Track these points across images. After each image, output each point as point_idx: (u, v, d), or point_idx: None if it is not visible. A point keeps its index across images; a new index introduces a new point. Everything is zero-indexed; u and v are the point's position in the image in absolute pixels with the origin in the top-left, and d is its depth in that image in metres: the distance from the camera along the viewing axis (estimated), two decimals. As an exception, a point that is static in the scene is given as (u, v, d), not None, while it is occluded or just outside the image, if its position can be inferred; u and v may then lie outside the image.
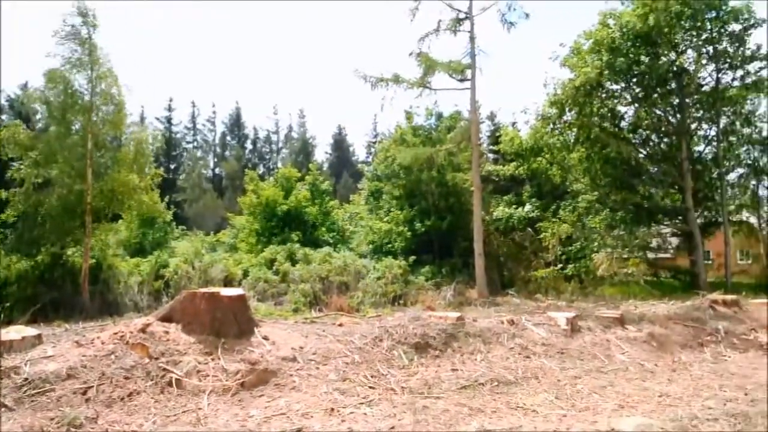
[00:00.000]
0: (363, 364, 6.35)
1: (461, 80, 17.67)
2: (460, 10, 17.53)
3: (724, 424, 4.65)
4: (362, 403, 5.19)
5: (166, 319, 6.47)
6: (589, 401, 5.43)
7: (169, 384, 5.25)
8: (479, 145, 22.04)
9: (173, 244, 25.82)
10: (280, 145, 73.55)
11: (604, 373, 6.59)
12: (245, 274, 19.25)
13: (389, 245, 24.55)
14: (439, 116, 27.99)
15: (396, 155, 23.63)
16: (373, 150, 48.64)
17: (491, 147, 30.75)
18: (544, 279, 20.46)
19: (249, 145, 71.25)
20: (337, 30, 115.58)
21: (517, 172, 25.19)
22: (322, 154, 75.98)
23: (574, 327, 8.26)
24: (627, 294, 17.76)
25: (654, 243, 25.83)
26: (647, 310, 10.13)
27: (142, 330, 5.99)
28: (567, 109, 21.84)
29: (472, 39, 17.40)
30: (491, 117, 35.44)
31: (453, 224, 24.22)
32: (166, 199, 25.54)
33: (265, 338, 6.58)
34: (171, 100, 64.68)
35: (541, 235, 22.63)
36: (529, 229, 23.29)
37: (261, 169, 64.97)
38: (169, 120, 62.74)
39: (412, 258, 20.91)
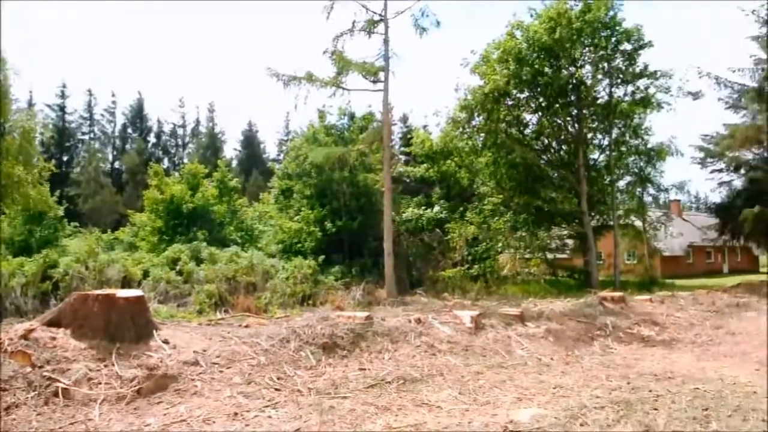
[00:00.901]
0: (269, 366, 6.21)
1: (374, 82, 17.79)
2: (375, 12, 17.66)
3: (609, 411, 5.00)
4: (267, 406, 5.07)
5: (54, 323, 5.97)
6: (490, 395, 5.64)
7: (55, 394, 4.83)
8: (391, 147, 22.35)
9: (65, 243, 23.90)
10: (187, 139, 70.37)
11: (504, 368, 6.87)
12: (146, 274, 18.22)
13: (299, 245, 24.27)
14: (352, 116, 28.09)
15: (308, 154, 23.43)
16: (284, 148, 47.98)
17: (403, 148, 31.29)
18: (451, 278, 21.09)
19: (152, 139, 67.47)
20: (250, 23, 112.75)
21: (427, 173, 25.82)
22: (231, 150, 73.69)
23: (478, 325, 8.55)
24: (528, 292, 18.68)
25: (553, 244, 27.49)
26: (545, 308, 10.69)
27: (24, 336, 5.48)
28: (476, 114, 22.68)
29: (385, 41, 17.57)
30: (403, 119, 36.14)
31: (363, 224, 24.37)
32: (57, 193, 23.66)
33: (166, 342, 6.26)
34: (64, 87, 59.16)
35: (449, 236, 23.33)
36: (438, 229, 23.94)
37: (165, 164, 61.82)
38: (62, 108, 57.99)
39: (321, 258, 20.79)
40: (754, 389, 5.80)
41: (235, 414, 4.81)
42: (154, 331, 6.42)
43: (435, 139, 25.78)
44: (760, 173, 25.95)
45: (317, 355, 6.70)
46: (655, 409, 5.07)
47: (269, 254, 23.33)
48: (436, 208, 25.41)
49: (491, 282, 21.61)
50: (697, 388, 5.82)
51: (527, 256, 25.59)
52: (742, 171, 27.62)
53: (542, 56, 21.39)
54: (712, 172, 28.72)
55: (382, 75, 17.61)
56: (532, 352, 7.76)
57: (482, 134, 23.50)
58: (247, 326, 8.15)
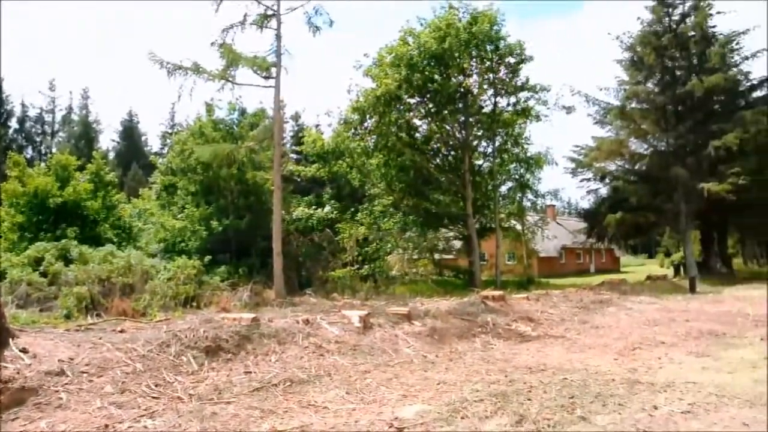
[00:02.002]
0: (146, 372, 5.84)
1: (266, 77, 17.30)
2: (267, 6, 17.19)
3: (488, 403, 5.26)
4: (143, 416, 4.76)
5: None
6: (376, 394, 5.69)
7: None
8: (282, 145, 21.96)
9: None
10: (57, 127, 64.25)
11: (391, 366, 6.99)
12: (2, 275, 16.33)
13: (183, 244, 23.08)
14: (243, 112, 27.27)
15: (194, 149, 22.35)
16: (168, 141, 45.36)
17: (294, 147, 30.90)
18: (341, 279, 21.14)
19: (14, 124, 60.73)
20: (133, 8, 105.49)
21: (318, 173, 25.65)
22: (108, 141, 68.48)
23: (367, 324, 8.63)
24: (416, 292, 19.19)
25: (440, 245, 28.53)
26: (432, 307, 11.05)
27: None
28: (368, 116, 22.94)
29: (278, 37, 17.17)
30: (295, 117, 35.55)
31: (252, 223, 23.70)
32: None
33: (24, 351, 5.68)
34: None
35: (340, 236, 23.39)
36: (328, 230, 23.90)
37: (30, 154, 56.13)
38: None
39: (207, 258, 19.92)
40: (613, 377, 6.38)
41: (106, 426, 4.47)
42: (11, 340, 5.82)
43: (327, 139, 25.71)
44: (621, 183, 28.82)
45: (200, 359, 6.41)
46: (529, 399, 5.40)
47: (149, 254, 21.87)
48: (327, 208, 25.35)
49: (380, 282, 21.96)
50: (566, 378, 6.29)
51: (415, 256, 26.34)
52: (607, 180, 30.50)
53: (432, 64, 22.12)
54: (581, 180, 31.51)
55: (274, 71, 17.19)
56: (418, 350, 7.96)
57: (374, 136, 23.83)
58: (122, 331, 7.62)
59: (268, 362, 6.68)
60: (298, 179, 27.31)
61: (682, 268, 30.56)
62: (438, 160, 26.15)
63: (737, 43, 26.94)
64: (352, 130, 23.91)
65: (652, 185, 27.52)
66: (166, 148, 43.55)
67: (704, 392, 5.69)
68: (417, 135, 25.61)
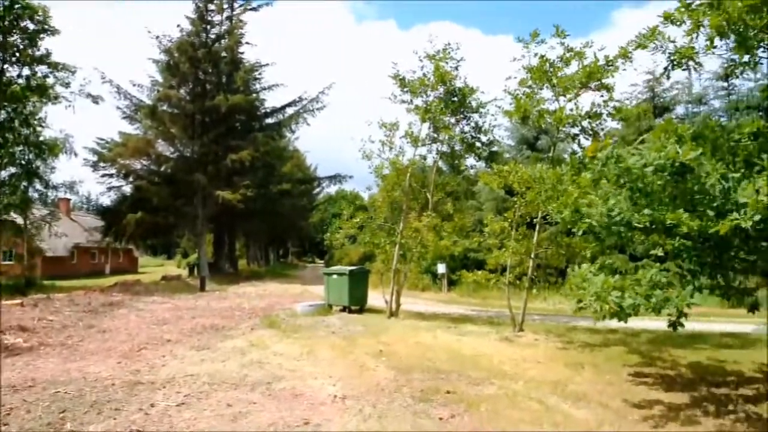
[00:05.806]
0: None
1: None
2: None
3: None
4: None
5: None
6: None
7: None
8: None
9: None
10: None
11: None
12: None
13: None
14: None
15: None
16: None
17: None
18: None
19: None
20: None
21: None
22: None
23: None
24: None
25: None
26: None
27: None
28: None
29: None
30: None
31: None
32: None
33: None
34: None
35: None
36: None
37: None
38: None
39: None
40: (113, 382, 6.13)
41: None
42: None
43: None
44: (145, 183, 28.76)
45: None
46: (6, 425, 4.59)
47: None
48: None
49: None
50: (58, 392, 5.67)
51: None
52: (131, 179, 29.88)
53: None
54: (103, 176, 29.88)
55: None
56: None
57: None
58: None
59: None
60: None
61: (196, 269, 32.58)
62: None
63: (259, 74, 31.21)
64: None
65: (175, 188, 28.62)
66: None
67: (199, 382, 6.13)
68: None
